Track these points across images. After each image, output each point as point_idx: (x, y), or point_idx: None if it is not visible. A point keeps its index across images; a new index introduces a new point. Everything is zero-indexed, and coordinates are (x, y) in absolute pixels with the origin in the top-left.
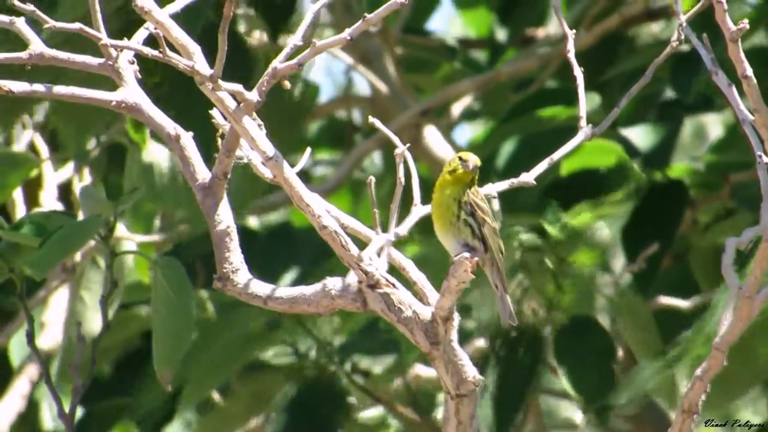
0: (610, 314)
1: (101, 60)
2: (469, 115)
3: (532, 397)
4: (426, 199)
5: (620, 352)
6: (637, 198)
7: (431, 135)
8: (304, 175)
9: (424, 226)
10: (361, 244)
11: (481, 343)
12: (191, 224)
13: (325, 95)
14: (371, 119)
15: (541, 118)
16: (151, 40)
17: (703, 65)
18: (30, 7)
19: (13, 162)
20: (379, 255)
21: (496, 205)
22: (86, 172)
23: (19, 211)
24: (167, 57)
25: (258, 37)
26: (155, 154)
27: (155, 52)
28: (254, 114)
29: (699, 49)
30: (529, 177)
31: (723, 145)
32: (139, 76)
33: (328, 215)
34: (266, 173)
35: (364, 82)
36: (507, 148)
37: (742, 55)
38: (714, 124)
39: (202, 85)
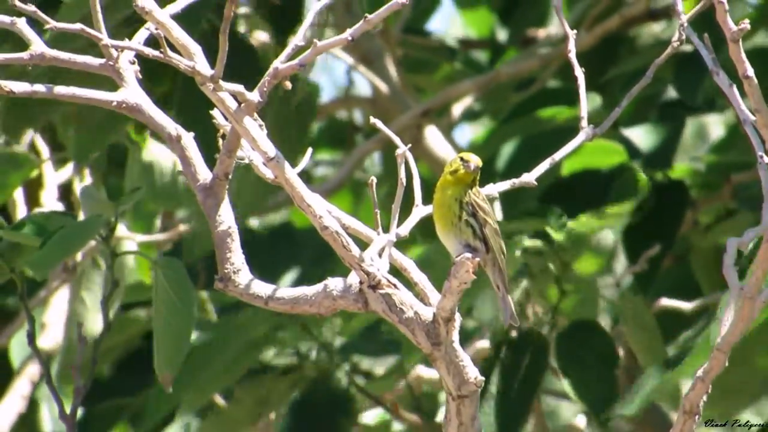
0: (612, 317)
1: (102, 60)
2: (469, 116)
3: (535, 402)
4: (427, 199)
5: (621, 352)
6: (638, 199)
7: (432, 135)
8: (305, 176)
9: (426, 228)
10: (363, 244)
11: (482, 344)
12: (196, 222)
13: (326, 95)
14: (372, 119)
15: (542, 118)
16: (152, 41)
17: (705, 66)
18: (31, 7)
19: (14, 162)
20: (380, 256)
21: (498, 208)
22: (87, 172)
23: (20, 211)
24: (168, 57)
25: (258, 37)
26: (156, 154)
27: (156, 53)
28: (255, 114)
29: (700, 49)
30: (530, 177)
31: (724, 145)
32: (140, 77)
33: (329, 216)
34: (267, 174)
35: (365, 83)
36: (508, 149)
37: (743, 55)
38: (715, 125)
39: (203, 85)
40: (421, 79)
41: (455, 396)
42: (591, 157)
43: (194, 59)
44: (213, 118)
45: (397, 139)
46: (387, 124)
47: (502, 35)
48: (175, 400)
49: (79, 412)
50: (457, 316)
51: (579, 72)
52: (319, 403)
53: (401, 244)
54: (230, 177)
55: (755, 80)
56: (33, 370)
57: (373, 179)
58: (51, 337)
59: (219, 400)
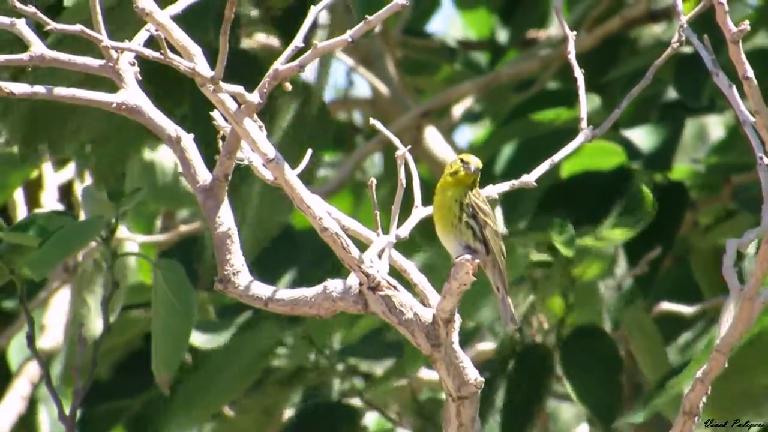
0: (613, 320)
1: (102, 61)
2: (469, 117)
3: (540, 412)
4: (427, 200)
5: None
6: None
7: (432, 136)
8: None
9: (427, 230)
10: (362, 246)
11: (483, 346)
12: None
13: (326, 97)
14: (372, 121)
15: (541, 121)
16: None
17: (706, 67)
18: (31, 8)
19: (14, 162)
20: (380, 257)
21: (498, 213)
22: (87, 173)
23: (20, 212)
24: (168, 59)
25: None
26: (157, 154)
27: (156, 54)
28: (255, 116)
29: (700, 50)
30: (529, 178)
31: (724, 146)
32: (140, 78)
33: (329, 217)
34: (267, 175)
35: (365, 84)
36: (507, 150)
37: (743, 56)
38: (715, 126)
39: (203, 86)
40: (421, 80)
41: (455, 397)
42: (591, 158)
43: (194, 60)
44: (213, 120)
45: (396, 141)
46: (387, 126)
47: (502, 36)
48: (185, 414)
49: (80, 413)
50: (457, 318)
51: (579, 73)
52: (322, 411)
53: (404, 248)
54: (229, 178)
55: (755, 81)
56: (33, 371)
57: (373, 180)
58: (51, 339)
59: (226, 409)
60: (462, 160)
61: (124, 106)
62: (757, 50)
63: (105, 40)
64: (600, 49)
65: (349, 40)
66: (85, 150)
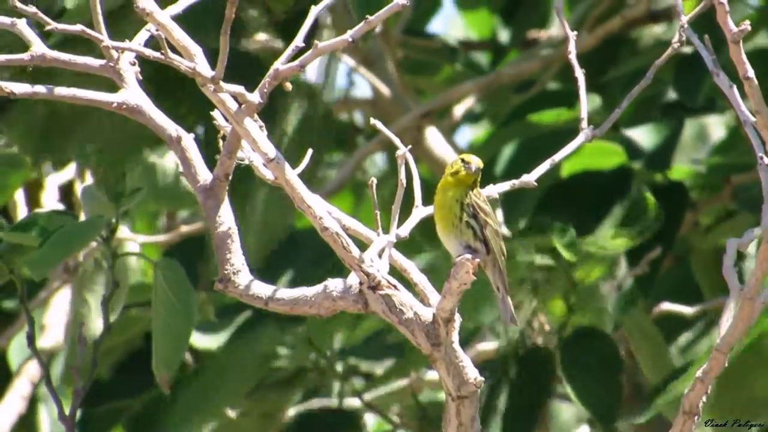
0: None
1: (102, 61)
2: (470, 117)
3: (543, 417)
4: (428, 200)
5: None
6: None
7: (433, 137)
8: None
9: (428, 230)
10: (363, 245)
11: (483, 346)
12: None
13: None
14: (373, 121)
15: (541, 122)
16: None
17: (706, 67)
18: (32, 8)
19: (15, 163)
20: (380, 256)
21: (499, 214)
22: (87, 172)
23: (21, 212)
24: (169, 59)
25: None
26: (157, 155)
27: (157, 54)
28: (255, 115)
29: (700, 50)
30: (530, 178)
31: (724, 146)
32: (140, 78)
33: (329, 217)
34: (268, 175)
35: (365, 85)
36: (508, 151)
37: (744, 56)
38: (715, 126)
39: (204, 86)
40: (422, 80)
41: (455, 397)
42: (591, 158)
43: (195, 60)
44: (213, 119)
45: (397, 140)
46: (387, 126)
47: (503, 36)
48: (186, 420)
49: (80, 413)
50: (457, 317)
51: (579, 73)
52: (322, 416)
53: (405, 248)
54: (230, 178)
55: (755, 81)
56: (33, 371)
57: (373, 180)
58: (51, 339)
59: (227, 409)
60: (463, 160)
61: (124, 106)
62: (757, 50)
63: (105, 40)
64: (600, 49)
65: (350, 40)
66: (87, 152)
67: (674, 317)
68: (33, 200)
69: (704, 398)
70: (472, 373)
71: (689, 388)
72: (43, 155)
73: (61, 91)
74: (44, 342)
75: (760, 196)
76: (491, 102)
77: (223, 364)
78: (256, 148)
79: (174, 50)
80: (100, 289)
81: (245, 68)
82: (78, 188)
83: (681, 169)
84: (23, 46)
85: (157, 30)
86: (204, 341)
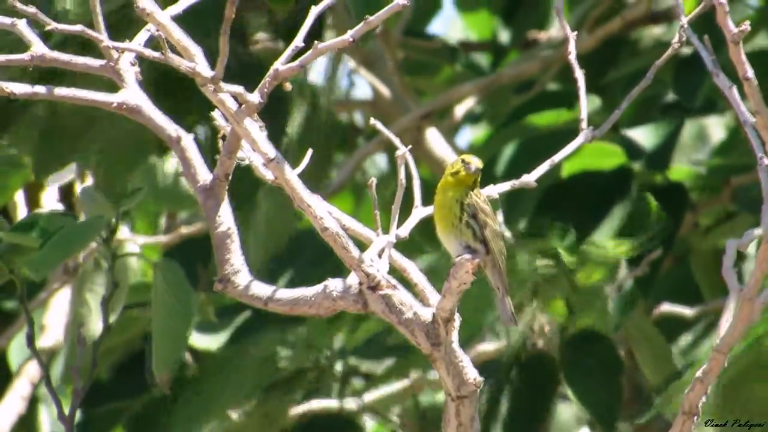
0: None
1: (102, 62)
2: (471, 118)
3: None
4: (428, 201)
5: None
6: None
7: (433, 137)
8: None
9: (428, 231)
10: (363, 245)
11: (483, 347)
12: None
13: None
14: (372, 121)
15: (540, 123)
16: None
17: (705, 68)
18: (32, 9)
19: (15, 163)
20: (380, 256)
21: (500, 217)
22: (88, 173)
23: (21, 213)
24: (169, 59)
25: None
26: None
27: (156, 54)
28: (255, 115)
29: (700, 50)
30: (530, 178)
31: (724, 147)
32: (140, 78)
33: (329, 217)
34: (267, 175)
35: (365, 85)
36: (508, 151)
37: (744, 56)
38: (715, 127)
39: (204, 86)
40: (422, 81)
41: (454, 396)
42: (591, 158)
43: (195, 61)
44: (213, 120)
45: (397, 141)
46: (387, 126)
47: (503, 37)
48: (188, 421)
49: (80, 414)
50: (457, 317)
51: (579, 74)
52: (323, 421)
53: (405, 249)
54: (230, 178)
55: (755, 82)
56: (33, 371)
57: (373, 180)
58: (51, 339)
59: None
60: (463, 161)
61: (124, 106)
62: (757, 51)
63: (105, 40)
64: (601, 50)
65: (350, 39)
66: (89, 161)
67: (674, 318)
68: (33, 201)
69: (704, 398)
70: (472, 373)
71: (689, 389)
72: (45, 167)
73: (61, 91)
74: (44, 342)
75: (760, 197)
76: (491, 103)
77: (224, 367)
78: (256, 148)
79: (174, 50)
80: (100, 290)
81: (248, 72)
82: (78, 189)
83: (681, 169)
84: (24, 48)
85: (157, 30)
86: (204, 341)
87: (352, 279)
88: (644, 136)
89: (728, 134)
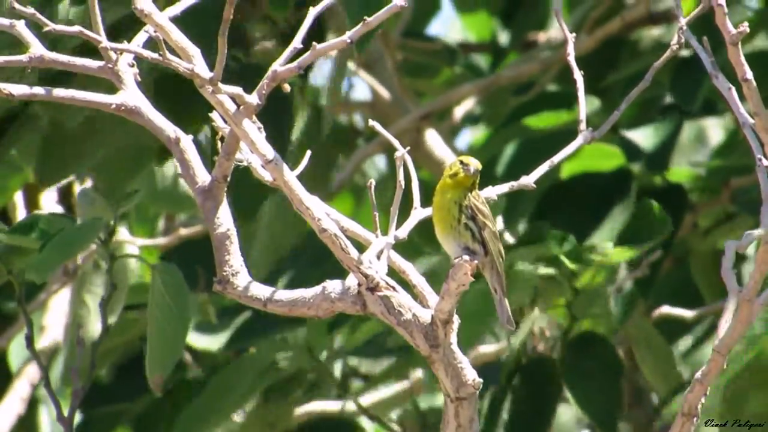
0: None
1: (101, 63)
2: (470, 119)
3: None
4: (427, 202)
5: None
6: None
7: (432, 139)
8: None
9: (428, 234)
10: (361, 247)
11: (483, 348)
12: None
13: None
14: (371, 122)
15: (538, 124)
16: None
17: (704, 71)
18: (30, 10)
19: (14, 165)
20: (378, 258)
21: (499, 221)
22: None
23: (20, 214)
24: (167, 60)
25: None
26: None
27: (155, 55)
28: (254, 117)
29: (699, 52)
30: (528, 180)
31: (724, 149)
32: (139, 79)
33: (327, 218)
34: (266, 176)
35: (365, 87)
36: (509, 152)
37: (743, 58)
38: (714, 128)
39: (202, 88)
40: (422, 83)
41: (453, 398)
42: (590, 160)
43: (193, 62)
44: (212, 121)
45: (395, 142)
46: (387, 128)
47: (502, 39)
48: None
49: (79, 415)
50: (456, 319)
51: (578, 75)
52: (324, 423)
53: (404, 251)
54: (228, 179)
55: (754, 83)
56: (33, 372)
57: (372, 181)
58: (50, 340)
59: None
60: (461, 162)
61: (123, 107)
62: (756, 53)
63: (104, 41)
64: (600, 51)
65: (348, 41)
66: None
67: (674, 320)
68: (32, 202)
69: (703, 399)
70: (471, 375)
71: (688, 390)
72: (48, 176)
73: (60, 92)
74: (44, 343)
75: (759, 199)
76: (490, 104)
77: (221, 382)
78: (255, 149)
79: (173, 52)
80: (100, 291)
81: (249, 76)
82: (77, 190)
83: (680, 171)
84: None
85: (155, 31)
86: (203, 342)
87: (351, 280)
88: (643, 137)
89: (727, 136)
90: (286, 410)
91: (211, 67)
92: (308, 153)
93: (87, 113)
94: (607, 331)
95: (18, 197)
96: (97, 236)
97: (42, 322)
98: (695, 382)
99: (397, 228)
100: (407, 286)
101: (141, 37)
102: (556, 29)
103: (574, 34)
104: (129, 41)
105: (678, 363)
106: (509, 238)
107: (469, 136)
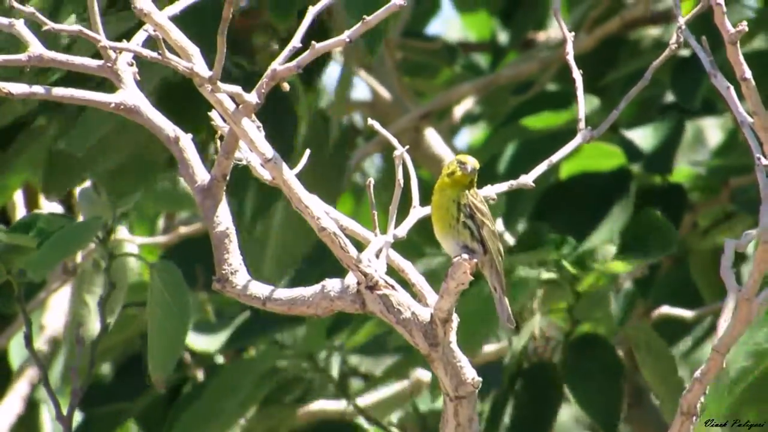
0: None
1: (100, 62)
2: (470, 119)
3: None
4: (426, 201)
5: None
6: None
7: (431, 138)
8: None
9: (427, 233)
10: (361, 246)
11: (484, 348)
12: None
13: (325, 99)
14: (371, 122)
15: (537, 124)
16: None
17: (703, 70)
18: (29, 9)
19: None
20: (378, 257)
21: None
22: None
23: (19, 213)
24: (166, 59)
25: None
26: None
27: (154, 54)
28: (253, 116)
29: (698, 51)
30: (527, 179)
31: (723, 148)
32: (138, 78)
33: (327, 217)
34: (265, 175)
35: (364, 87)
36: (509, 152)
37: (741, 57)
38: (712, 128)
39: (201, 87)
40: (421, 83)
41: (452, 397)
42: (590, 159)
43: (192, 61)
44: (211, 120)
45: (394, 141)
46: (386, 127)
47: (502, 38)
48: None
49: (80, 415)
50: (455, 317)
51: (577, 74)
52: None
53: (403, 250)
54: (227, 178)
55: (753, 82)
56: (33, 371)
57: (371, 180)
58: (49, 339)
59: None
60: (459, 161)
61: (122, 107)
62: (755, 52)
63: (103, 40)
64: (599, 50)
65: (348, 40)
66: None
67: (674, 321)
68: (32, 201)
69: (702, 399)
70: (470, 374)
71: (687, 389)
72: (54, 187)
73: (59, 91)
74: (43, 342)
75: (758, 198)
76: (490, 103)
77: (221, 386)
78: (254, 148)
79: (172, 51)
80: (99, 290)
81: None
82: (77, 190)
83: (680, 170)
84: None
85: (154, 30)
86: (202, 342)
87: (350, 279)
88: (643, 137)
89: (727, 135)
90: (288, 413)
91: (211, 66)
92: (307, 152)
93: (101, 135)
94: (608, 332)
95: (18, 197)
96: (95, 235)
97: (41, 321)
98: (694, 381)
99: (396, 227)
100: (406, 284)
101: (140, 36)
102: (556, 28)
103: (573, 34)
104: (128, 41)
105: (678, 363)
106: (509, 239)
107: (469, 136)
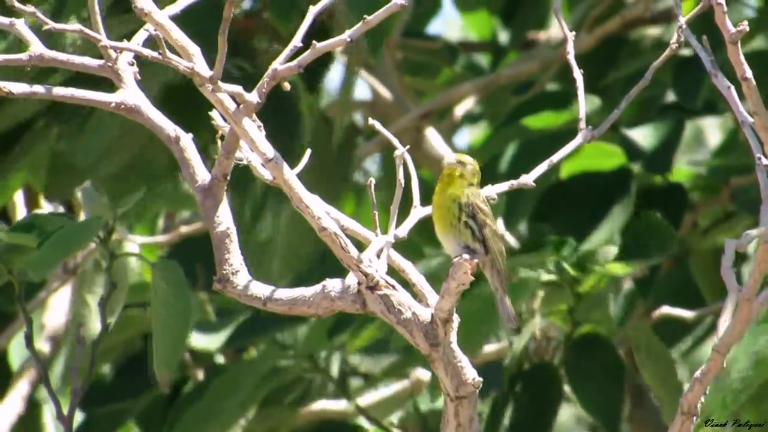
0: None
1: (101, 61)
2: (470, 118)
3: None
4: (426, 201)
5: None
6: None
7: (432, 138)
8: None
9: (428, 233)
10: (361, 246)
11: (485, 348)
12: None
13: (326, 99)
14: (371, 121)
15: (537, 124)
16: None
17: (704, 69)
18: (30, 8)
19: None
20: (378, 257)
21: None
22: None
23: (20, 213)
24: (167, 59)
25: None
26: (156, 156)
27: (155, 54)
28: (254, 115)
29: (698, 51)
30: (528, 179)
31: (724, 149)
32: (139, 78)
33: (327, 217)
34: (266, 175)
35: (365, 86)
36: (511, 151)
37: (742, 56)
38: (712, 128)
39: (202, 86)
40: (422, 82)
41: (453, 397)
42: (590, 159)
43: (193, 60)
44: (212, 120)
45: (395, 140)
46: (386, 127)
47: (502, 38)
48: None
49: (81, 415)
50: (456, 317)
51: (578, 74)
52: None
53: (404, 250)
54: (228, 178)
55: (753, 82)
56: (33, 371)
57: (372, 180)
58: (50, 339)
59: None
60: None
61: (123, 106)
62: (755, 52)
63: (104, 39)
64: (600, 49)
65: (349, 39)
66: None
67: (674, 321)
68: (32, 201)
69: (702, 398)
70: (471, 374)
71: (687, 389)
72: (57, 190)
73: (59, 91)
74: (43, 342)
75: (759, 198)
76: (490, 103)
77: (221, 388)
78: (255, 148)
79: (173, 50)
80: (100, 290)
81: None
82: (77, 190)
83: (681, 170)
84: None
85: (155, 30)
86: (203, 342)
87: (351, 279)
88: (643, 136)
89: (727, 135)
90: (288, 414)
91: (211, 66)
92: (308, 152)
93: (106, 144)
94: (609, 333)
95: (18, 197)
96: (96, 234)
97: (42, 320)
98: (695, 381)
99: (397, 227)
100: (407, 284)
101: (141, 35)
102: (556, 28)
103: (573, 33)
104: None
105: (678, 363)
106: (509, 239)
107: (469, 135)
